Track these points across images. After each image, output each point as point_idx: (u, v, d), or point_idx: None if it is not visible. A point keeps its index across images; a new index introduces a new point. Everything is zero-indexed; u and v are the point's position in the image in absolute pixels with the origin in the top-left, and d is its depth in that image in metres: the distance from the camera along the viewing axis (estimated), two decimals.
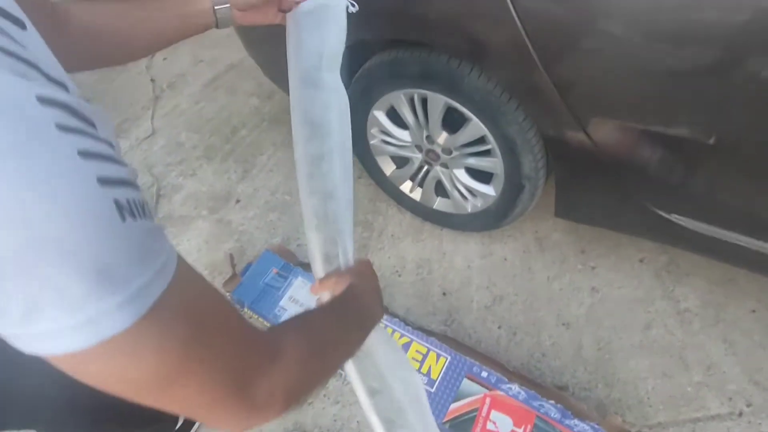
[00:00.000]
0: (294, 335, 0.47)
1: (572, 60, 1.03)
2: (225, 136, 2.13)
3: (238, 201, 1.87)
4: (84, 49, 0.64)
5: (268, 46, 1.56)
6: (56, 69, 0.31)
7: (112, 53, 0.70)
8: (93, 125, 0.30)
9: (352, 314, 0.63)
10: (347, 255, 0.73)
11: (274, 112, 2.21)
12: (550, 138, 1.21)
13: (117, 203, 0.28)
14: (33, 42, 0.31)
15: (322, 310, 0.62)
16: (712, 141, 0.99)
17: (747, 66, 0.87)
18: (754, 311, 1.42)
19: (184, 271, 0.34)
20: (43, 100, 0.27)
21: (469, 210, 1.54)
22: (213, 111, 2.25)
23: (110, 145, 0.31)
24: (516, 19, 1.00)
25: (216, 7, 0.72)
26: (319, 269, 0.72)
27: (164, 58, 2.61)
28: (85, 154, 0.27)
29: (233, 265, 1.60)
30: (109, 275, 0.28)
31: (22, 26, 0.31)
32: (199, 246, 1.74)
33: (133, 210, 0.30)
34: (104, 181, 0.28)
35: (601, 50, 0.98)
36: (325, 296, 0.71)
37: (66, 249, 0.26)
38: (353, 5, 0.72)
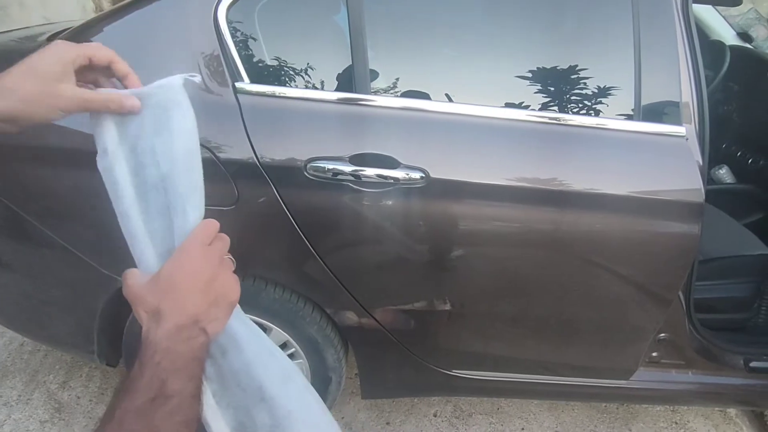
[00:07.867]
0: None
1: (344, 253, 1.22)
2: None
3: None
4: None
5: None
6: None
7: None
8: None
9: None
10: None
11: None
12: (347, 328, 1.35)
13: None
14: None
15: None
16: (447, 308, 1.30)
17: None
18: (523, 429, 1.74)
19: None
20: None
21: None
22: None
23: None
24: (294, 223, 1.14)
25: None
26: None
27: None
28: None
29: None
30: None
31: None
32: None
33: None
34: None
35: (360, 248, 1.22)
36: None
37: None
38: (193, 75, 0.55)
